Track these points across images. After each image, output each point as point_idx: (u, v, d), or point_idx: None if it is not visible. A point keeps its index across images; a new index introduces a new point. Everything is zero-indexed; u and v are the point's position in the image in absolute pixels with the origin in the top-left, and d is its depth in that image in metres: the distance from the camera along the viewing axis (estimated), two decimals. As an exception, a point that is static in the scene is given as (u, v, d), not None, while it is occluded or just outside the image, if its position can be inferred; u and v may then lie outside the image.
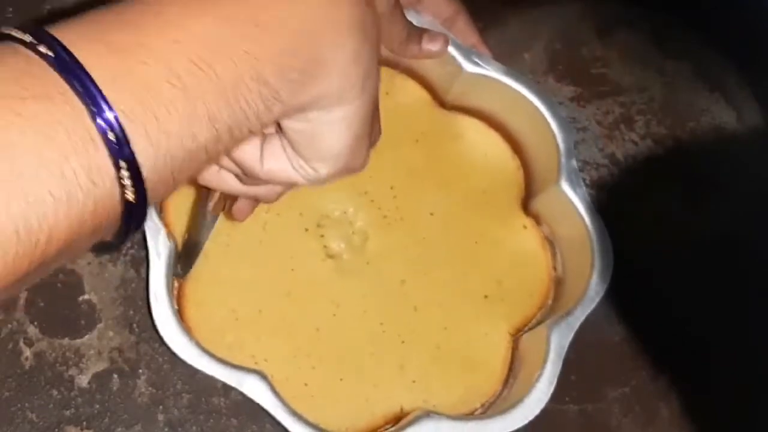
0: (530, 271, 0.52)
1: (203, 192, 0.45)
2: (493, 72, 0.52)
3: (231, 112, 0.27)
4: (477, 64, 0.51)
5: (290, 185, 0.36)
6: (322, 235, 0.50)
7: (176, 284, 0.48)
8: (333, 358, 0.49)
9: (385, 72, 0.54)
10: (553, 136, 0.51)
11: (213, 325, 0.48)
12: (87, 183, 0.24)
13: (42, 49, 0.24)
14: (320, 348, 0.49)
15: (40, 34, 0.25)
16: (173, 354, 0.43)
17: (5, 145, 0.23)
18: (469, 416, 0.48)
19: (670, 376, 0.51)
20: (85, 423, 0.46)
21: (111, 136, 0.24)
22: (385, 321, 0.50)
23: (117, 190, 0.25)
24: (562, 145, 0.51)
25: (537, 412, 0.46)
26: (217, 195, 0.43)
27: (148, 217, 0.46)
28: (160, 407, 0.46)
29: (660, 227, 0.54)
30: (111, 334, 0.47)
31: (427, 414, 0.45)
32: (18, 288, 0.25)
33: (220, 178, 0.36)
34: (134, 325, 0.48)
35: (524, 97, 0.51)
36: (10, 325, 0.47)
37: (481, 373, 0.50)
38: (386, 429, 0.48)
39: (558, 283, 0.52)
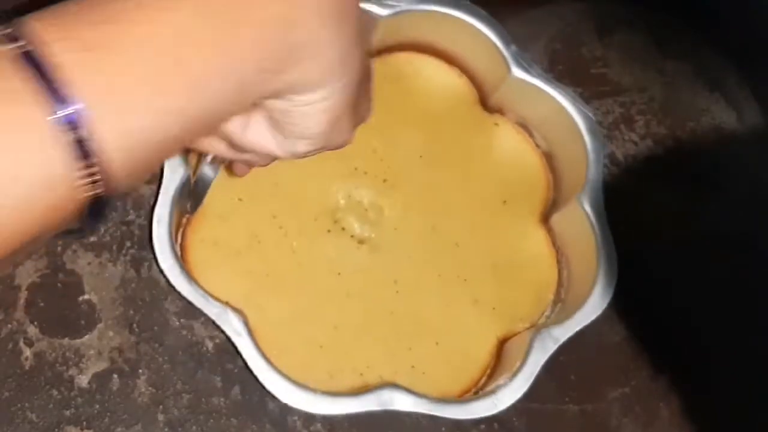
0: (523, 162, 0.55)
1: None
2: (413, 5, 0.52)
3: (202, 104, 0.27)
4: (390, 6, 0.52)
5: (272, 157, 0.36)
6: (344, 228, 0.51)
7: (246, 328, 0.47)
8: (421, 328, 0.50)
9: None
10: (487, 37, 0.52)
11: (302, 362, 0.48)
12: (48, 180, 0.24)
13: (9, 42, 0.24)
14: (404, 326, 0.50)
15: (9, 26, 0.24)
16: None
17: None
18: (558, 322, 0.49)
19: (670, 376, 0.51)
20: (85, 423, 0.46)
21: (73, 133, 0.24)
22: (439, 267, 0.51)
23: (81, 183, 0.25)
24: (494, 38, 0.52)
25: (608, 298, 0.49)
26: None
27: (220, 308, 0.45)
28: (160, 407, 0.46)
29: (660, 227, 0.54)
30: (111, 334, 0.47)
31: (539, 331, 0.47)
32: None
33: (210, 144, 0.36)
34: (134, 325, 0.48)
35: (452, 16, 0.53)
36: (10, 325, 0.47)
37: (538, 271, 0.52)
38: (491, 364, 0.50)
39: (549, 159, 0.55)
